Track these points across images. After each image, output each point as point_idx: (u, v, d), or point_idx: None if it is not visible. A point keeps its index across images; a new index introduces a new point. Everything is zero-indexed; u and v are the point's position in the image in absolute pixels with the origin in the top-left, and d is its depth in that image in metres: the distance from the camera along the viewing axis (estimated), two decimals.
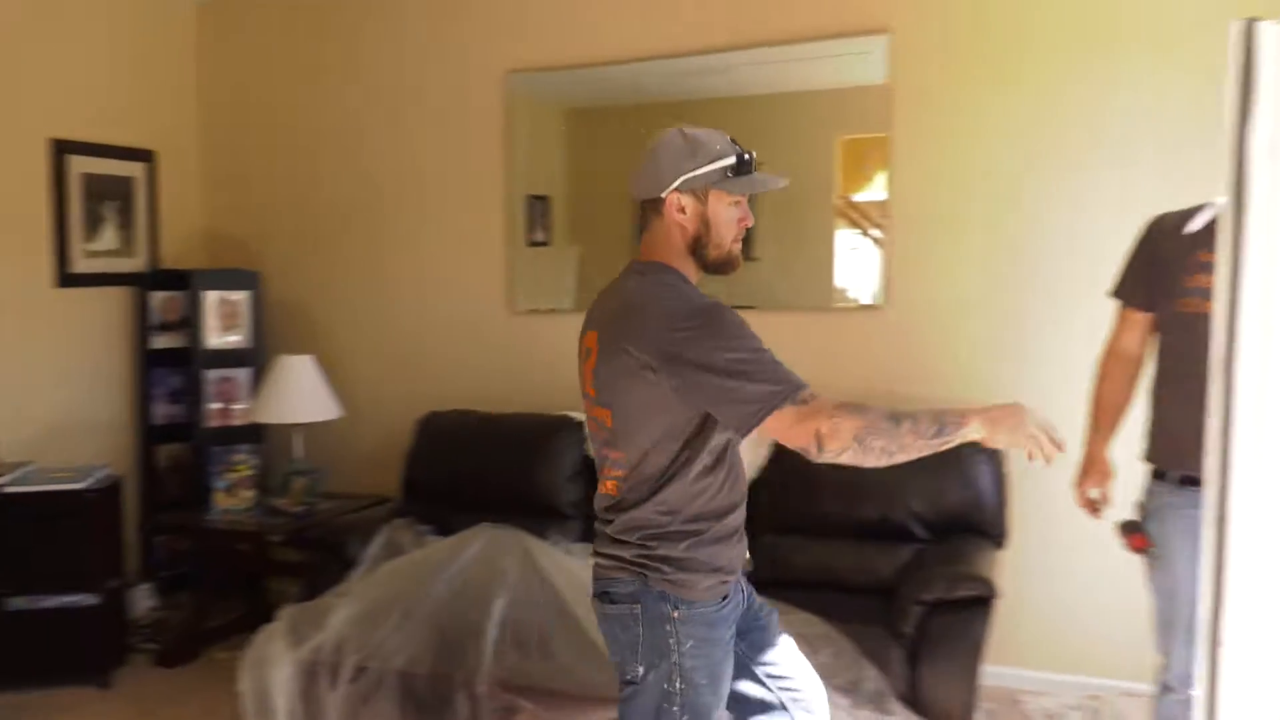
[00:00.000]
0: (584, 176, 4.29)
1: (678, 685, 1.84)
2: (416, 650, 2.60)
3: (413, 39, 4.38)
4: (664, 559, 1.83)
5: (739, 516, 1.94)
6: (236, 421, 4.43)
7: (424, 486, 3.91)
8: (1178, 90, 3.27)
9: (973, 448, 3.02)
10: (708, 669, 1.87)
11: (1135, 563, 2.61)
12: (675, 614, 1.83)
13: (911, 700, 2.86)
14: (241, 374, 4.47)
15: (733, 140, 1.90)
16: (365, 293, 4.55)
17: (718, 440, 1.85)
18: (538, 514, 3.62)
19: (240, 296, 4.47)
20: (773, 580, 3.29)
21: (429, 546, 3.06)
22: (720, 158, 1.86)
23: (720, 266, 1.93)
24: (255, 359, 4.46)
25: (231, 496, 4.00)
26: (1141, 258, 2.56)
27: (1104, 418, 2.65)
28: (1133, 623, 2.78)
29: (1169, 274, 2.45)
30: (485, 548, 2.77)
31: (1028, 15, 3.48)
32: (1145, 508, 2.57)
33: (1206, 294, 2.34)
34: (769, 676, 2.06)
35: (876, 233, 3.78)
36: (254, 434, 4.39)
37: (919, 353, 3.65)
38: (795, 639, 2.85)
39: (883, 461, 1.69)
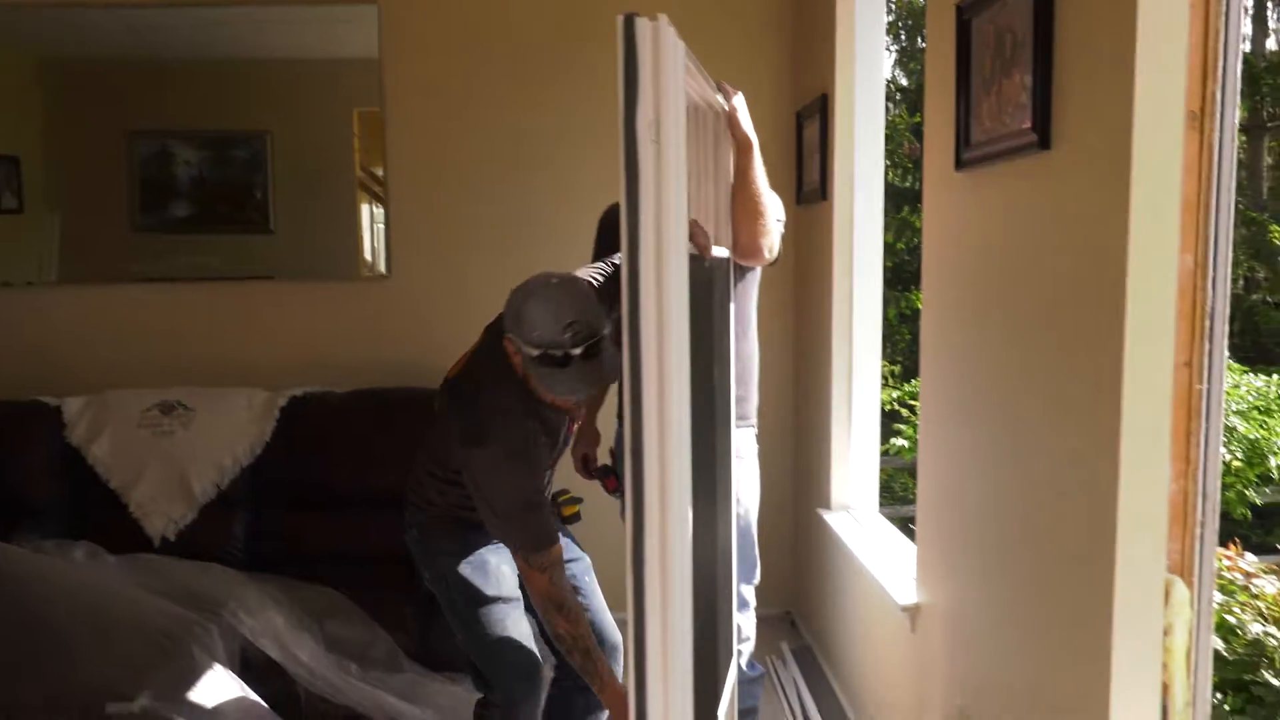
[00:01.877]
0: (67, 135, 3.80)
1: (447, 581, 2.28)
2: None
3: None
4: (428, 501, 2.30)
5: None
6: None
7: None
8: None
9: None
10: (469, 561, 2.25)
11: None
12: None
13: (423, 656, 2.94)
14: None
15: (570, 325, 1.97)
16: None
17: None
18: (5, 512, 3.19)
19: None
20: (288, 558, 3.22)
21: None
22: (535, 345, 1.99)
23: (552, 406, 2.16)
24: None
25: None
26: (598, 247, 2.79)
27: (593, 395, 2.89)
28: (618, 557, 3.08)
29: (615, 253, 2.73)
30: None
31: None
32: (615, 453, 2.88)
33: None
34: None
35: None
36: None
37: (421, 322, 3.75)
38: (302, 614, 2.83)
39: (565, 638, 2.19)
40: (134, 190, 3.77)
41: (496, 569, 2.30)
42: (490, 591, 2.27)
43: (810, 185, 3.52)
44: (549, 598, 2.14)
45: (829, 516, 3.20)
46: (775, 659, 3.46)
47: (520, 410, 2.12)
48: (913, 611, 2.40)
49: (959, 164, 2.07)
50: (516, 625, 2.29)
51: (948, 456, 2.23)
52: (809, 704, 3.11)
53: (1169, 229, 1.46)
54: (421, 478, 2.34)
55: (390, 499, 3.31)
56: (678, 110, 1.65)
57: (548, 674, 2.40)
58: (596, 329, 2.00)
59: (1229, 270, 1.49)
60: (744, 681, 2.81)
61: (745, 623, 2.75)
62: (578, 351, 1.98)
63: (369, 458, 3.36)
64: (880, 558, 2.78)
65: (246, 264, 3.83)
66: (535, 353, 1.99)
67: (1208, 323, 1.46)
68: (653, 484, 1.75)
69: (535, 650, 2.30)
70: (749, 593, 2.77)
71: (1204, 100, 1.42)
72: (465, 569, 2.27)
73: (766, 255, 2.44)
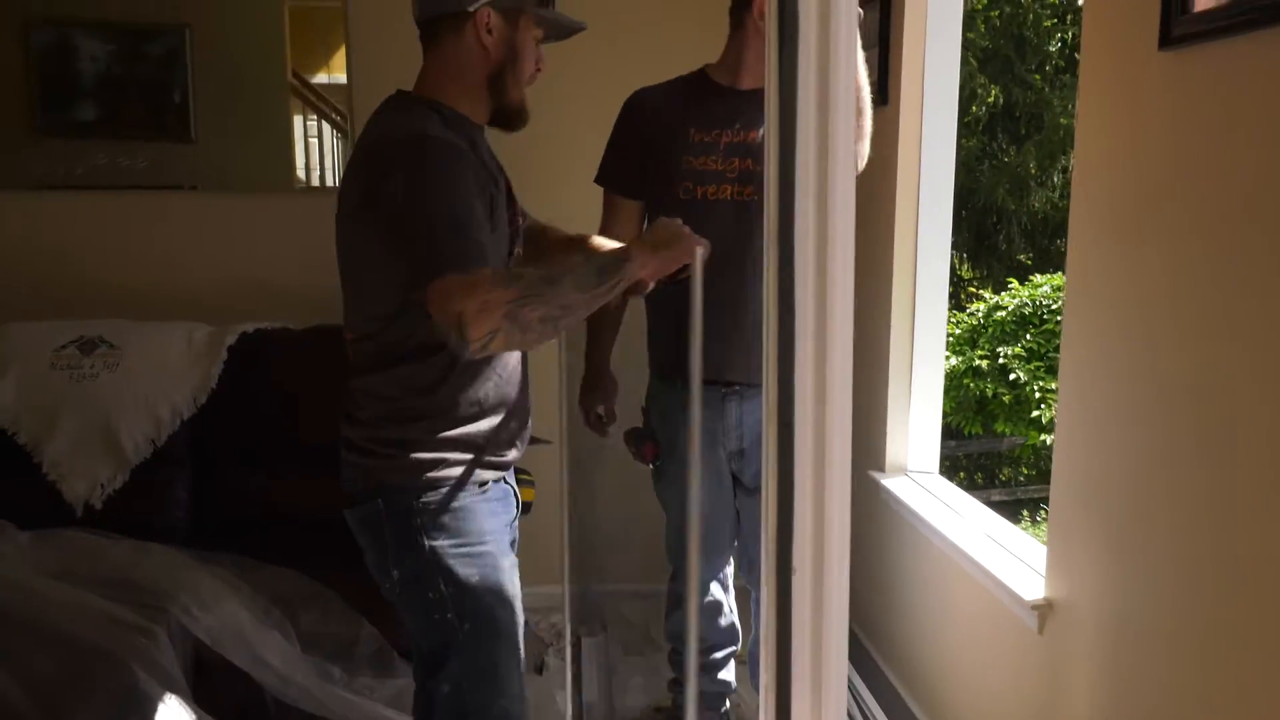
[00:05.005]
0: None
1: (441, 588, 1.62)
2: None
3: None
4: (398, 442, 1.63)
5: (506, 404, 1.70)
6: None
7: None
8: None
9: None
10: (476, 567, 1.63)
11: (635, 470, 2.43)
12: (421, 504, 1.61)
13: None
14: None
15: None
16: None
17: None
18: None
19: None
20: (243, 530, 2.66)
21: None
22: None
23: (516, 112, 1.71)
24: None
25: None
26: (626, 138, 2.27)
27: (600, 324, 2.38)
28: (635, 527, 2.64)
29: (659, 156, 2.21)
30: None
31: None
32: (650, 413, 2.39)
33: (701, 177, 2.15)
34: None
35: (338, 119, 3.28)
36: None
37: None
38: (268, 605, 2.29)
39: (547, 336, 1.50)
40: (32, 87, 3.13)
41: (511, 575, 1.70)
42: (507, 620, 1.67)
43: None
44: (497, 301, 1.40)
45: (887, 481, 2.74)
46: None
47: (442, 128, 1.59)
48: (1043, 609, 1.96)
49: (1166, 40, 1.57)
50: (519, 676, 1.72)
51: (1114, 420, 1.77)
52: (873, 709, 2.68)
53: None
54: (366, 387, 1.65)
55: None
56: None
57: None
58: None
59: None
60: None
61: None
62: None
63: (336, 405, 2.80)
64: (975, 536, 2.33)
65: (166, 172, 3.24)
66: None
67: None
68: (805, 472, 1.27)
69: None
70: None
71: None
72: (469, 569, 1.63)
73: (858, 164, 1.99)
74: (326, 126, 3.45)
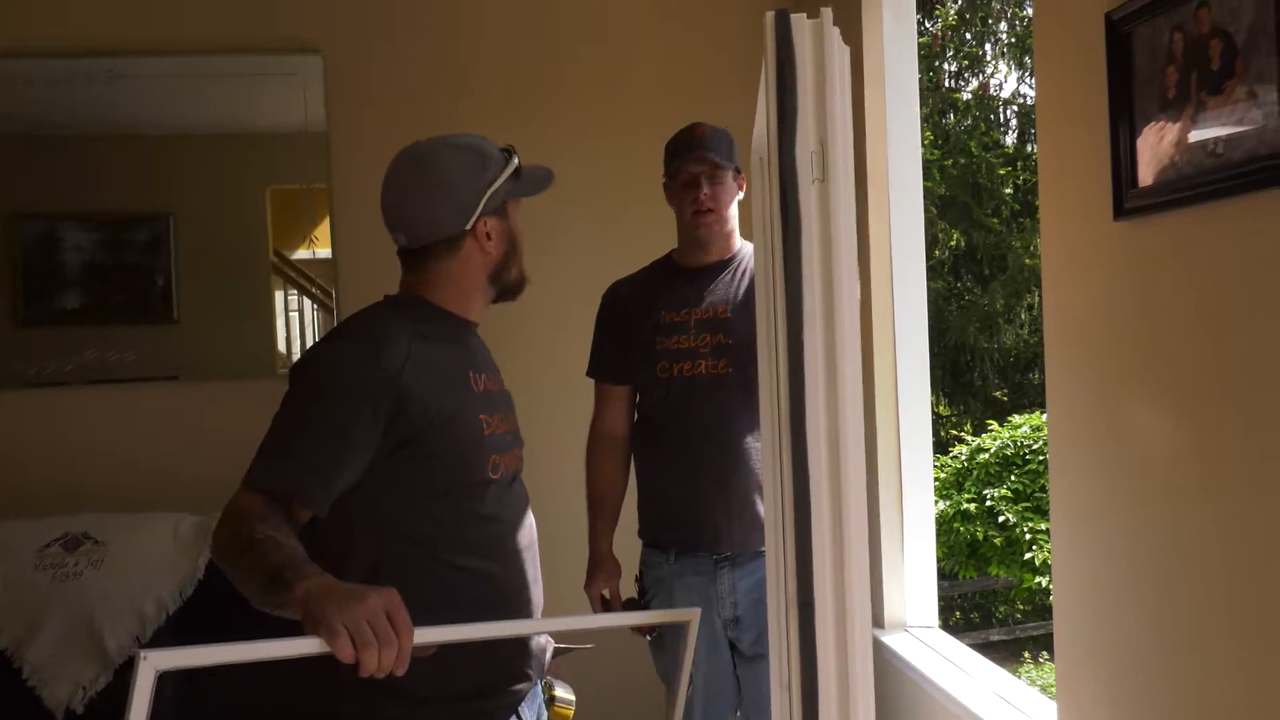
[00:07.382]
0: None
1: None
2: None
3: None
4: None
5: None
6: None
7: None
8: (632, 144, 3.16)
9: None
10: None
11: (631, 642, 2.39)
12: None
13: None
14: None
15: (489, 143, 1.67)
16: None
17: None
18: None
19: None
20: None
21: None
22: (508, 162, 1.63)
23: (518, 286, 1.72)
24: None
25: None
26: (607, 330, 2.43)
27: (602, 508, 2.43)
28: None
29: (637, 341, 2.33)
30: None
31: (478, 51, 3.23)
32: (644, 582, 2.39)
33: (677, 356, 2.25)
34: None
35: (318, 293, 3.35)
36: None
37: None
38: None
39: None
40: (16, 279, 3.20)
41: None
42: None
43: None
44: (219, 533, 1.43)
45: (888, 639, 2.70)
46: None
47: (403, 327, 1.59)
48: None
49: (1121, 212, 1.66)
50: None
51: (1114, 568, 1.77)
52: None
53: None
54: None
55: None
56: (847, 137, 1.22)
57: None
58: None
59: None
60: None
61: None
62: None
63: None
64: (983, 695, 2.29)
65: (150, 361, 3.28)
66: (516, 160, 1.64)
67: None
68: (829, 662, 1.27)
69: None
70: None
71: None
72: None
73: None
74: (307, 301, 3.51)
